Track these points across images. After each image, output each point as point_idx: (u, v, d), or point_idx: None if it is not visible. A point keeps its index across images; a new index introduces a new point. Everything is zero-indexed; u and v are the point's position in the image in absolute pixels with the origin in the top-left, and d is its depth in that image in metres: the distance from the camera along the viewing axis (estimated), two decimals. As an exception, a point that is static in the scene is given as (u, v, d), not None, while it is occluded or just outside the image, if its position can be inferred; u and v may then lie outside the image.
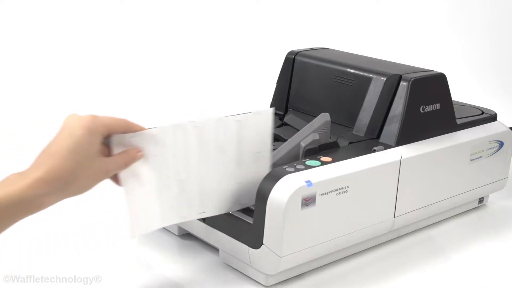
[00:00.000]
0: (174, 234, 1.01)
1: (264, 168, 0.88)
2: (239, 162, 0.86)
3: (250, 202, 0.87)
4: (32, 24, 2.06)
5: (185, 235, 1.01)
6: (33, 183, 0.66)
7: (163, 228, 1.03)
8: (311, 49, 1.19)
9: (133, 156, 0.77)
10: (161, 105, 1.72)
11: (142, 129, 0.78)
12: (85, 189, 0.73)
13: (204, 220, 0.91)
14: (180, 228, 1.00)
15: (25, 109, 1.65)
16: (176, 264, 0.93)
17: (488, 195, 1.17)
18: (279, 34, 2.15)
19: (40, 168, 0.67)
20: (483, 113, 1.16)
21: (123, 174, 0.77)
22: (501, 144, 1.12)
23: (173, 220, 0.84)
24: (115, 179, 0.78)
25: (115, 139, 0.76)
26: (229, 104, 1.75)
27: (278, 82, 1.19)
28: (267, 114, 0.87)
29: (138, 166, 0.78)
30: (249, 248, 0.85)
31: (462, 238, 1.05)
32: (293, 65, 1.16)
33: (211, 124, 0.82)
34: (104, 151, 0.75)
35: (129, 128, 0.77)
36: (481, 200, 1.16)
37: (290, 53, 1.18)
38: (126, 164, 0.76)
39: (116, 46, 2.08)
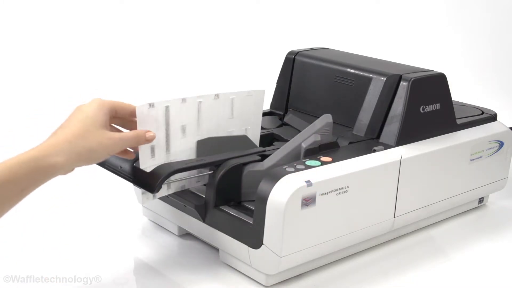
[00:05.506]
0: (174, 234, 1.01)
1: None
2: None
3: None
4: (32, 24, 2.06)
5: (185, 235, 1.01)
6: (45, 146, 0.75)
7: (163, 228, 1.03)
8: (311, 49, 1.18)
9: (142, 136, 0.83)
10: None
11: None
12: (96, 156, 0.78)
13: (204, 220, 0.91)
14: (180, 228, 1.00)
15: (24, 108, 1.65)
16: (176, 264, 0.93)
17: (488, 195, 1.17)
18: (279, 34, 2.15)
19: (52, 136, 0.77)
20: (483, 113, 1.16)
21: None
22: (501, 144, 1.12)
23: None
24: (126, 153, 0.86)
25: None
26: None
27: (278, 82, 1.19)
28: (259, 95, 0.97)
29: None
30: (249, 248, 0.85)
31: (462, 238, 1.05)
32: (293, 65, 1.16)
33: (210, 98, 0.94)
34: (114, 131, 0.83)
35: (134, 113, 0.83)
36: (481, 200, 1.16)
37: (290, 53, 1.18)
38: (137, 143, 0.83)
39: (115, 45, 2.08)
